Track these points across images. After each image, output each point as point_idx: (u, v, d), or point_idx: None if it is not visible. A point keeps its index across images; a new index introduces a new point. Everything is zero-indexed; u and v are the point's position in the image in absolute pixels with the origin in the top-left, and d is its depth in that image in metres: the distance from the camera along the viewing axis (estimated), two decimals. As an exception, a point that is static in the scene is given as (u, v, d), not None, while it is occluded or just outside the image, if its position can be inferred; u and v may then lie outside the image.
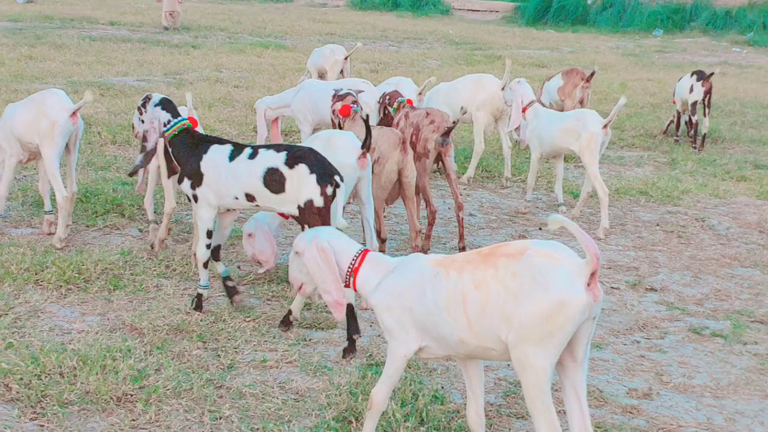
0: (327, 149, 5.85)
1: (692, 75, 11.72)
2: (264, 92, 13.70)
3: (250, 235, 6.30)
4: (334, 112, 7.55)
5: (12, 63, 14.76)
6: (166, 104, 5.70)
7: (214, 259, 5.77)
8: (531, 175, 8.68)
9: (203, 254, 5.67)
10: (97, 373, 4.62)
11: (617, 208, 8.79)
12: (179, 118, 5.66)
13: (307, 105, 8.70)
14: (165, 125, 5.63)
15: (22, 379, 4.56)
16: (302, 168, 5.22)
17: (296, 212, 5.30)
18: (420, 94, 9.33)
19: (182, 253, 6.70)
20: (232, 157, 5.40)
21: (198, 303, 5.74)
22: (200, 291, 5.77)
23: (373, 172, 6.27)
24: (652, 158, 11.16)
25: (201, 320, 5.53)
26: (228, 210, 5.68)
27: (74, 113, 6.77)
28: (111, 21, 22.70)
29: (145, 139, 5.71)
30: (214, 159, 5.45)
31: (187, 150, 5.56)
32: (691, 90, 11.59)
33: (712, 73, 11.60)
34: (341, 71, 12.57)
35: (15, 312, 5.54)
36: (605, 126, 7.87)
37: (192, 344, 5.23)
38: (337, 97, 7.64)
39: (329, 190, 5.22)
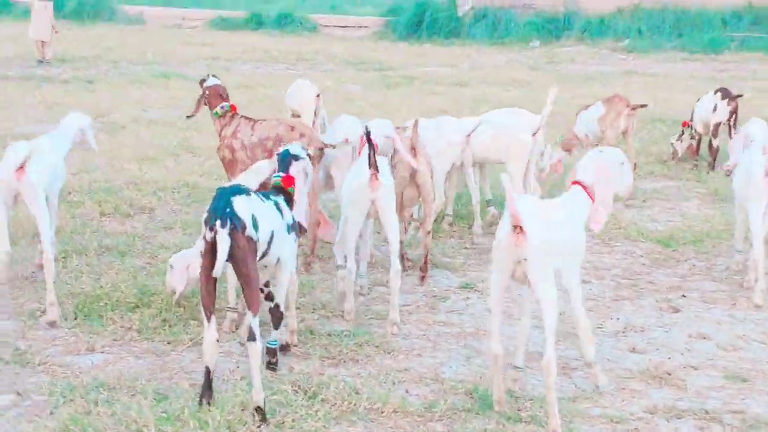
0: None
1: (716, 93, 10.85)
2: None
3: (171, 266, 6.03)
4: None
5: None
6: None
7: None
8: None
9: None
10: None
11: (726, 257, 7.67)
12: None
13: None
14: None
15: None
16: None
17: None
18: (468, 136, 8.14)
19: (334, 375, 5.12)
20: None
21: None
22: None
23: None
24: (691, 189, 10.19)
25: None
26: None
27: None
28: (-31, 57, 20.10)
29: None
30: None
31: None
32: (715, 109, 10.71)
33: (740, 95, 10.77)
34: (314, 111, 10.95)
35: None
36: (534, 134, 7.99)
37: None
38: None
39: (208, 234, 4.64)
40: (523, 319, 5.16)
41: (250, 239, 4.69)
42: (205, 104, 7.41)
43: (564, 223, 4.81)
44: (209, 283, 4.71)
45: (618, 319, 6.33)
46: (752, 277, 6.82)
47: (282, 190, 5.26)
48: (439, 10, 30.82)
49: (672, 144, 11.61)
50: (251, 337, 4.72)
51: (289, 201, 5.26)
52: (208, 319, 4.72)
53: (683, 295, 6.79)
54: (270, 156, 7.16)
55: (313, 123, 8.98)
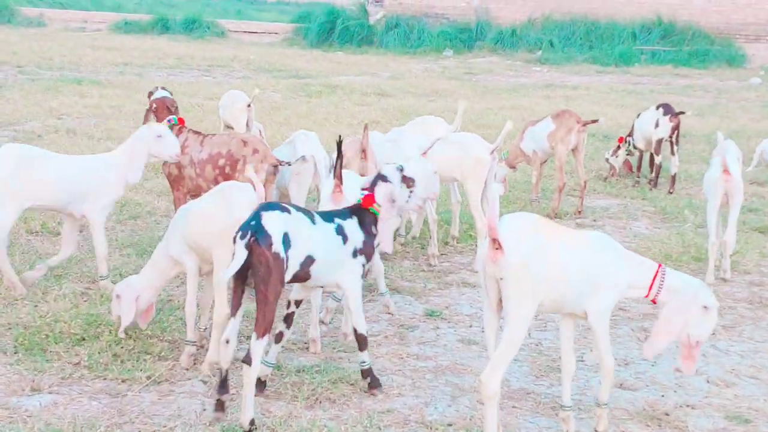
0: None
1: (658, 108, 10.71)
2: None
3: (118, 296, 5.49)
4: None
5: None
6: None
7: None
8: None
9: None
10: None
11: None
12: None
13: None
14: None
15: None
16: None
17: None
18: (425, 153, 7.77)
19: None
20: None
21: None
22: None
23: None
24: (638, 208, 10.01)
25: None
26: None
27: None
28: None
29: None
30: None
31: None
32: (657, 125, 10.57)
33: (682, 112, 10.67)
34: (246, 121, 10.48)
35: None
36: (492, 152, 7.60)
37: None
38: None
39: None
40: (564, 354, 4.80)
41: (276, 256, 4.45)
42: (154, 114, 7.02)
43: (579, 257, 4.42)
44: (237, 294, 4.68)
45: (598, 350, 6.00)
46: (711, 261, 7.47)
47: (362, 210, 5.03)
48: (350, 18, 30.50)
49: (607, 159, 11.46)
50: (247, 360, 4.56)
51: (373, 221, 5.03)
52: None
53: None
54: (222, 173, 6.72)
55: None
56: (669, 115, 10.54)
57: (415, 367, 5.61)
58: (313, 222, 4.74)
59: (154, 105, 7.09)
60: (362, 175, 6.98)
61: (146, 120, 7.09)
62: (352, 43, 29.54)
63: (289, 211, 4.63)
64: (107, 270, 6.49)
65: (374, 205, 5.00)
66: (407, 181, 5.05)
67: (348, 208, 5.08)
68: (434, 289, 7.13)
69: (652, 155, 10.91)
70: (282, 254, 4.49)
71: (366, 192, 5.06)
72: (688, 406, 5.25)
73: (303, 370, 5.39)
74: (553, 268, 4.34)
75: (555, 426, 4.91)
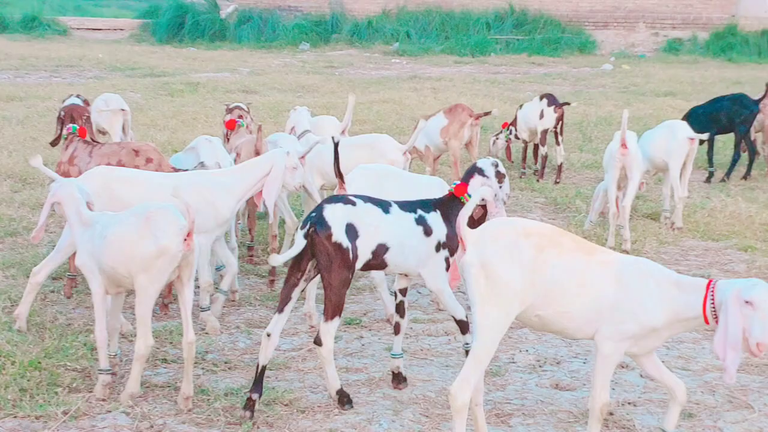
0: None
1: (542, 99, 10.70)
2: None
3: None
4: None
5: None
6: None
7: None
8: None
9: None
10: None
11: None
12: None
13: None
14: None
15: None
16: None
17: None
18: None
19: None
20: None
21: None
22: None
23: None
24: (530, 199, 10.02)
25: None
26: None
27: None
28: None
29: None
30: None
31: None
32: (542, 116, 10.57)
33: (567, 103, 10.72)
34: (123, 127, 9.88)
35: None
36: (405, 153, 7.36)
37: None
38: (228, 109, 8.19)
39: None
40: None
41: (337, 245, 4.57)
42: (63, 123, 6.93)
43: (592, 281, 4.12)
44: (288, 286, 4.75)
45: (527, 351, 5.88)
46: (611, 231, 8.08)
47: (448, 201, 4.99)
48: (200, 13, 29.78)
49: (493, 143, 11.40)
50: (317, 341, 4.76)
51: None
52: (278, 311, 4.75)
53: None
54: None
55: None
56: (553, 106, 10.57)
57: (347, 381, 5.33)
58: (387, 211, 4.81)
59: (62, 113, 6.99)
60: None
61: (58, 128, 6.90)
62: (204, 39, 28.87)
63: (354, 203, 4.71)
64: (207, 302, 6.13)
65: (465, 195, 4.94)
66: (499, 177, 5.07)
67: (430, 200, 5.06)
68: (347, 296, 6.83)
69: (536, 146, 10.93)
70: (345, 243, 4.58)
71: (458, 182, 5.06)
72: (629, 403, 5.17)
73: (232, 393, 5.05)
74: (537, 281, 4.06)
75: (506, 435, 4.74)
